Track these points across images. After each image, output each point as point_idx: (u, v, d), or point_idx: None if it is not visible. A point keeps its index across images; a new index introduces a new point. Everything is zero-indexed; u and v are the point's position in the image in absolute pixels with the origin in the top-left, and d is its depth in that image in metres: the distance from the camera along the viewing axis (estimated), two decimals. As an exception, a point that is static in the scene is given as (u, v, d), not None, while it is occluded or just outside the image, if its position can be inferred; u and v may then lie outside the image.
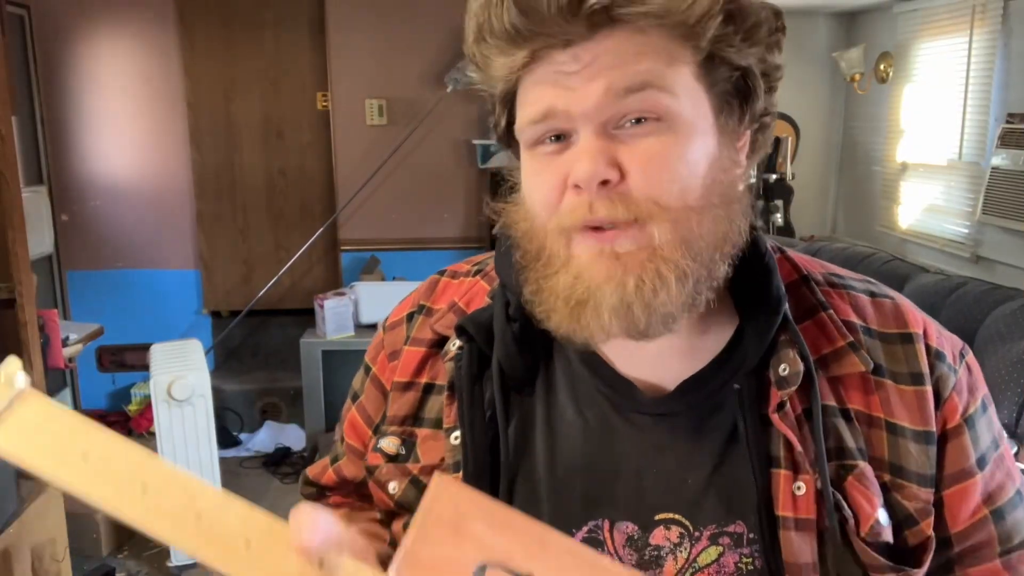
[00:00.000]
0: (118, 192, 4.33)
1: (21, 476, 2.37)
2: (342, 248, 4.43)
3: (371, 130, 4.30)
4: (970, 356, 0.74)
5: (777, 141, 4.39)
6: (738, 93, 0.65)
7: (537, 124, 0.64)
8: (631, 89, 0.61)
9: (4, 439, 0.55)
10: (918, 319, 0.73)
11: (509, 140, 0.71)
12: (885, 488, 0.68)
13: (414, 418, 0.77)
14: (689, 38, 0.62)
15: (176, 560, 2.98)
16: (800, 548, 0.65)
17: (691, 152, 0.63)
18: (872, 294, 0.74)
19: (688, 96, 0.63)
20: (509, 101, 0.68)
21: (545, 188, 0.65)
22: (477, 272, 0.82)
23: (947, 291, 2.73)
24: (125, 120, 4.29)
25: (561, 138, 0.64)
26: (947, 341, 0.73)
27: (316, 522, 0.52)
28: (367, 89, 4.27)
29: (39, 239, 3.98)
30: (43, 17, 4.09)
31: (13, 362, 0.54)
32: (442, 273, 0.84)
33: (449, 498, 0.58)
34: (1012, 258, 3.45)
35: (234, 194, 4.41)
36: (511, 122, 0.69)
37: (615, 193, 0.62)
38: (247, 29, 4.25)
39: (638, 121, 0.62)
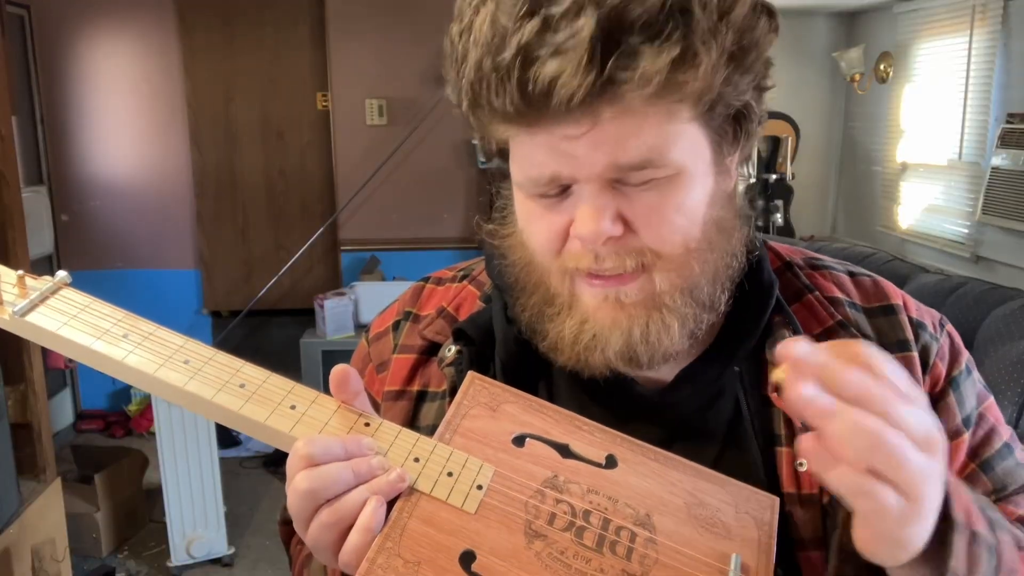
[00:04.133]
0: (118, 192, 4.33)
1: (21, 476, 2.37)
2: (342, 248, 4.43)
3: (371, 130, 4.30)
4: (949, 326, 0.77)
5: (777, 141, 4.39)
6: (734, 120, 0.65)
7: (542, 186, 0.63)
8: (634, 167, 0.60)
9: (46, 320, 0.62)
10: (897, 293, 0.76)
11: (496, 156, 0.70)
12: None
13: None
14: (692, 98, 0.60)
15: (176, 560, 2.98)
16: (805, 523, 0.67)
17: (691, 200, 0.63)
18: (851, 273, 0.77)
19: (688, 148, 0.62)
20: (500, 145, 0.67)
21: (546, 234, 0.65)
22: (463, 277, 0.82)
23: (947, 291, 2.72)
24: (125, 120, 4.29)
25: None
26: (926, 313, 0.76)
27: (356, 376, 0.61)
28: (367, 89, 4.27)
29: (39, 239, 3.98)
30: (43, 17, 4.09)
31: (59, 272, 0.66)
32: (426, 280, 0.84)
33: (483, 387, 0.66)
34: (1012, 258, 3.45)
35: (234, 194, 4.41)
36: (501, 148, 0.68)
37: (620, 245, 0.63)
38: (247, 29, 4.25)
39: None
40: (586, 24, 0.54)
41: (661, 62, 0.55)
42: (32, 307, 0.62)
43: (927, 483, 0.52)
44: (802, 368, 0.51)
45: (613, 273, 0.63)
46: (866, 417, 0.50)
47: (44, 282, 0.65)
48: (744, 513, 0.61)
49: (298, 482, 0.57)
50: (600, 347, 0.65)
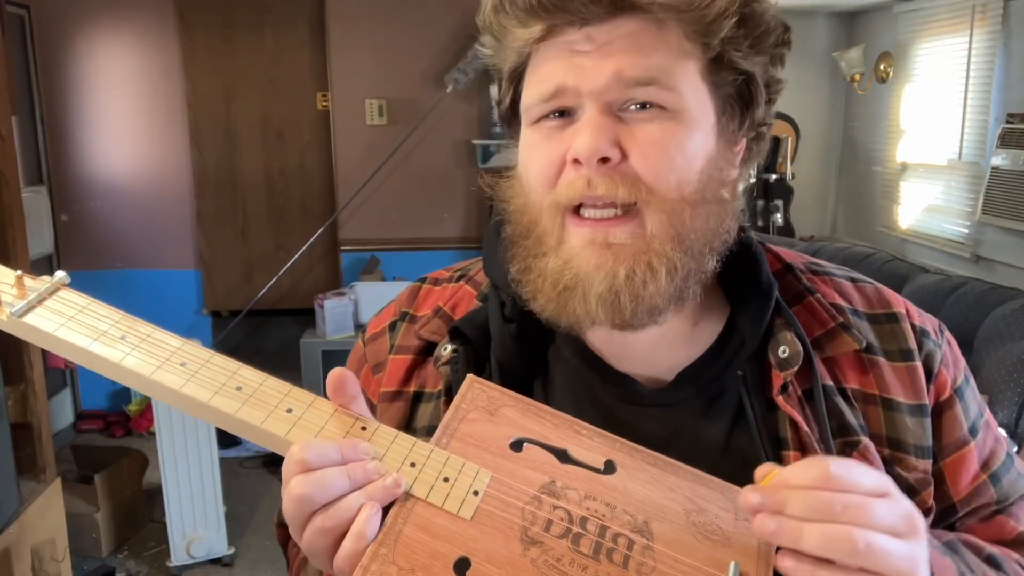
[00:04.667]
0: (118, 192, 4.33)
1: (21, 476, 2.37)
2: (342, 248, 4.43)
3: (371, 130, 4.30)
4: (948, 332, 0.77)
5: (777, 141, 4.38)
6: (740, 98, 0.67)
7: (546, 103, 0.65)
8: (639, 82, 0.63)
9: (43, 321, 0.61)
10: (899, 300, 0.76)
11: (510, 119, 0.72)
12: (885, 462, 0.70)
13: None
14: (701, 35, 0.63)
15: (176, 560, 2.98)
16: None
17: (691, 145, 0.64)
18: (853, 280, 0.77)
19: (693, 92, 0.64)
20: (517, 77, 0.69)
21: (544, 161, 0.66)
22: (460, 277, 0.82)
23: (947, 291, 2.73)
24: (125, 120, 4.29)
25: (565, 114, 0.66)
26: (927, 319, 0.76)
27: (354, 379, 0.61)
28: (367, 89, 4.27)
29: (39, 239, 3.98)
30: (43, 17, 4.09)
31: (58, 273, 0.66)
32: (423, 280, 0.84)
33: (482, 390, 0.65)
34: (1012, 258, 3.45)
35: (234, 194, 4.41)
36: (515, 100, 0.70)
37: (615, 172, 0.63)
38: (247, 29, 4.25)
39: (643, 106, 0.64)
40: None
41: None
42: (30, 308, 0.62)
43: (917, 566, 0.54)
44: (764, 507, 0.54)
45: (605, 199, 0.63)
46: (836, 528, 0.52)
47: (42, 283, 0.64)
48: (744, 520, 0.60)
49: (293, 487, 0.56)
50: (581, 289, 0.64)
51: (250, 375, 0.61)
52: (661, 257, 0.64)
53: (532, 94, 0.67)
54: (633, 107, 0.64)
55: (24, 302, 0.62)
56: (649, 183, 0.63)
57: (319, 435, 0.59)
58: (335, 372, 0.62)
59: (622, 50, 0.62)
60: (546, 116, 0.66)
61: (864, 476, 0.55)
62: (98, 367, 0.61)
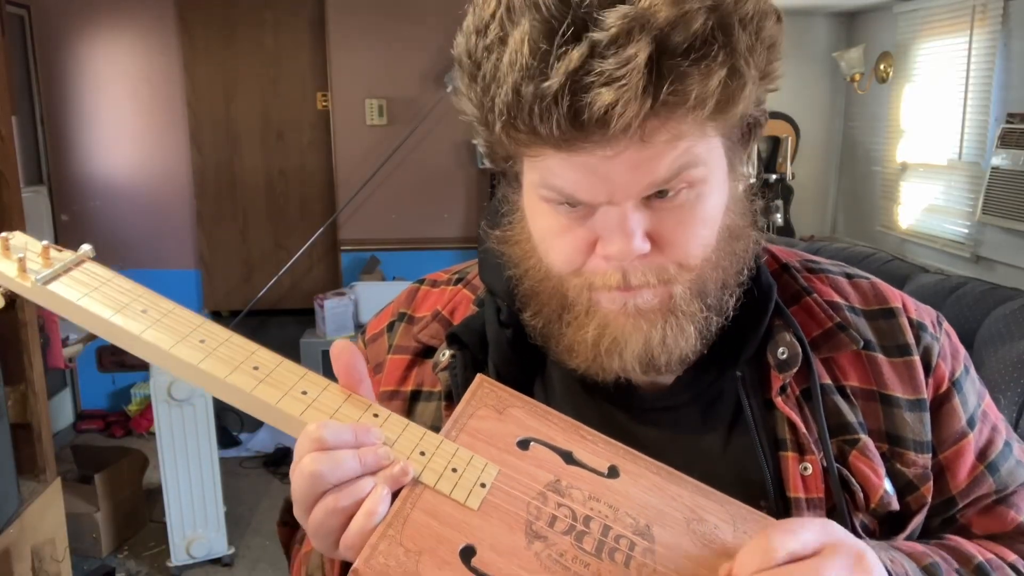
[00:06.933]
0: (118, 192, 4.33)
1: (21, 476, 2.37)
2: (342, 248, 4.43)
3: (371, 130, 4.30)
4: (946, 323, 0.76)
5: (777, 141, 4.39)
6: (748, 130, 0.66)
7: (567, 196, 0.61)
8: (669, 179, 0.59)
9: (67, 290, 0.62)
10: (895, 294, 0.76)
11: (503, 163, 0.68)
12: (884, 457, 0.70)
13: None
14: (724, 119, 0.59)
15: (176, 560, 2.98)
16: None
17: (711, 209, 0.63)
18: (848, 276, 0.77)
19: (714, 159, 0.62)
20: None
21: (569, 249, 0.64)
22: (458, 280, 0.82)
23: (947, 291, 2.72)
24: (125, 120, 4.29)
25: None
26: (924, 312, 0.75)
27: (362, 361, 0.62)
28: (367, 89, 4.27)
29: (39, 239, 3.97)
30: (43, 17, 4.09)
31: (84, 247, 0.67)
32: (421, 282, 0.84)
33: (491, 389, 0.67)
34: (1012, 258, 3.45)
35: (234, 194, 4.41)
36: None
37: (645, 262, 0.62)
38: (247, 29, 4.25)
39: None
40: (639, 51, 0.53)
41: (712, 84, 0.54)
42: (55, 276, 0.63)
43: None
44: None
45: (639, 287, 0.63)
46: None
47: (68, 254, 0.66)
48: (743, 532, 0.61)
49: (306, 464, 0.56)
50: (619, 351, 0.65)
51: (267, 356, 0.63)
52: (688, 317, 0.65)
53: (552, 188, 0.62)
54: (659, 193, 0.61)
55: (49, 270, 0.63)
56: (678, 263, 0.63)
57: (332, 418, 0.60)
58: (342, 348, 0.61)
59: (648, 157, 0.57)
60: (563, 204, 0.63)
61: (806, 533, 0.55)
62: (118, 339, 0.62)
